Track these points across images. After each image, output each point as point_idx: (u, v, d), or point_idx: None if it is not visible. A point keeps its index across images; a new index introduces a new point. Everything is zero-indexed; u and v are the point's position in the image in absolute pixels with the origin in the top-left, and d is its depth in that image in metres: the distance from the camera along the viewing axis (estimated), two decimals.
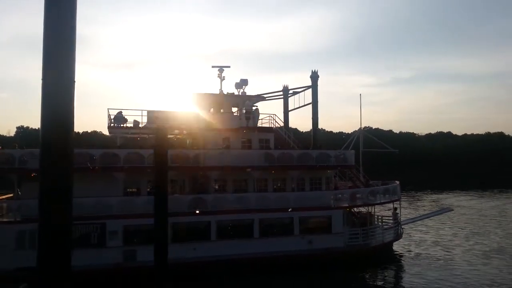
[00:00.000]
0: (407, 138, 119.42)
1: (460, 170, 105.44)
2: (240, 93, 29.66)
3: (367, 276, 24.33)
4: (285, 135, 29.97)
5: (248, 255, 23.92)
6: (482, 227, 38.92)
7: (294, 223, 25.58)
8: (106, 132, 31.08)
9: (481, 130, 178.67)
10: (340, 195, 28.07)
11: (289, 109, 34.98)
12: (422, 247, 30.90)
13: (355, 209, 29.99)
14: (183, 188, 25.94)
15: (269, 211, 25.10)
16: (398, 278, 24.31)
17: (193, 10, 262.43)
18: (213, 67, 30.16)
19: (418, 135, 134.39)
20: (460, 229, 38.07)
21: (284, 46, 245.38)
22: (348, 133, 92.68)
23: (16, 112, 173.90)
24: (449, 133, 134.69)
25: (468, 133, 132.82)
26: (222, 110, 28.81)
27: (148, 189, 24.95)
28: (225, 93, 29.57)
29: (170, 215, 22.98)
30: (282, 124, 32.10)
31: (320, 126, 50.99)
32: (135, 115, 26.81)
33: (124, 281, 20.92)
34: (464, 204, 56.87)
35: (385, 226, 29.92)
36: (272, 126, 29.57)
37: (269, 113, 30.10)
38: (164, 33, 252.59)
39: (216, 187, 26.50)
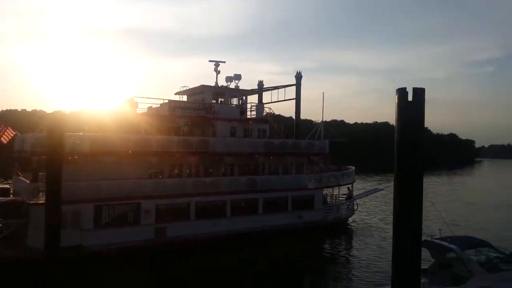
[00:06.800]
0: (306, 125, 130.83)
1: (348, 156, 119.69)
2: (233, 86, 33.13)
3: (337, 242, 30.72)
4: (275, 126, 34.40)
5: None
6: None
7: (288, 201, 30.55)
8: None
9: (369, 120, 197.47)
10: (321, 178, 33.65)
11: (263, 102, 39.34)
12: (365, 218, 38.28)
13: None
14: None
15: (272, 191, 29.75)
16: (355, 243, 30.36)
17: None
18: (210, 61, 33.07)
19: (315, 122, 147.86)
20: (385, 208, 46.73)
21: (192, 30, 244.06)
22: None
23: None
24: (342, 121, 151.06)
25: (358, 122, 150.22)
26: (222, 100, 32.16)
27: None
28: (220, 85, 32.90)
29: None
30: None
31: None
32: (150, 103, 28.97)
33: (157, 255, 23.63)
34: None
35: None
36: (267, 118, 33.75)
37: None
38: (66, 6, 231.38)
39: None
